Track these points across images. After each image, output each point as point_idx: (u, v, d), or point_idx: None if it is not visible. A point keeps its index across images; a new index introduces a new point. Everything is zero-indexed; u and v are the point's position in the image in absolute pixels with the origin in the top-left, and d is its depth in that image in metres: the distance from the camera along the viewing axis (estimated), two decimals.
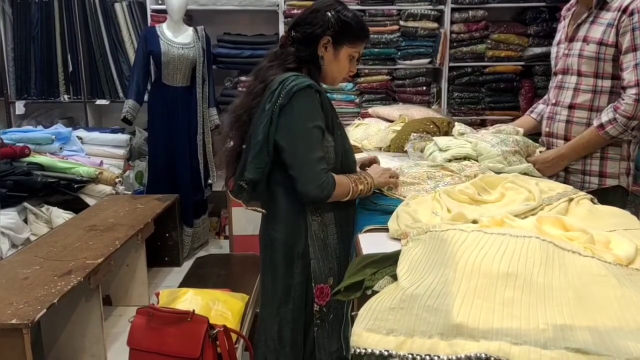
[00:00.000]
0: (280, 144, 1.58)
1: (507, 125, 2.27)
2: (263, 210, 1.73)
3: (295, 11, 3.99)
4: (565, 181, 2.10)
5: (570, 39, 2.06)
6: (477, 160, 2.08)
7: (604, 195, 1.92)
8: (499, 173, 1.96)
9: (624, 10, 1.91)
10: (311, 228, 1.66)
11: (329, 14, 1.62)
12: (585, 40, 2.00)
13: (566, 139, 2.09)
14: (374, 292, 1.12)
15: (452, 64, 4.13)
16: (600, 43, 1.96)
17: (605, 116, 1.96)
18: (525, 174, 1.94)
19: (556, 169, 2.10)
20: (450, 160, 2.10)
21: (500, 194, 1.59)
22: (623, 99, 1.91)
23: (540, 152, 2.15)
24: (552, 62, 2.20)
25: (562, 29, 2.16)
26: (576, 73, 2.04)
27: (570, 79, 2.07)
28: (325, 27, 1.62)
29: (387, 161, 2.50)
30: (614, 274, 1.05)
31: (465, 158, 2.08)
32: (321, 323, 1.68)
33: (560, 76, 2.12)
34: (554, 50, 2.20)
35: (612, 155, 2.03)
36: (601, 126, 1.96)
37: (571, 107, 2.07)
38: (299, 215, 1.67)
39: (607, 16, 1.95)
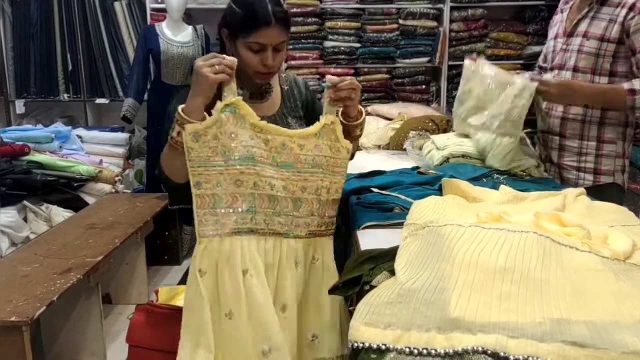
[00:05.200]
0: None
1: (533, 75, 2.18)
2: None
3: (294, 9, 4.00)
4: (560, 177, 2.10)
5: (569, 34, 2.04)
6: (476, 159, 2.09)
7: (599, 192, 1.91)
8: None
9: (631, 8, 1.87)
10: None
11: (227, 5, 1.49)
12: (585, 35, 1.98)
13: (562, 135, 2.07)
14: (372, 288, 1.12)
15: (451, 63, 4.14)
16: (602, 39, 1.93)
17: None
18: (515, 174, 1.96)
19: (565, 98, 2.01)
20: (448, 159, 2.10)
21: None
22: None
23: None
24: (549, 57, 2.16)
25: (560, 23, 2.13)
26: (572, 69, 2.02)
27: (565, 75, 2.04)
28: (223, 18, 1.50)
29: (386, 159, 2.52)
30: (611, 268, 1.05)
31: (463, 156, 2.09)
32: None
33: (556, 71, 2.10)
34: (550, 44, 2.16)
35: (607, 152, 2.02)
36: (633, 91, 1.87)
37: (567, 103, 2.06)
38: None
39: (609, 11, 1.93)
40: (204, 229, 1.37)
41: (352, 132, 1.53)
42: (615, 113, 2.00)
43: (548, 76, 2.05)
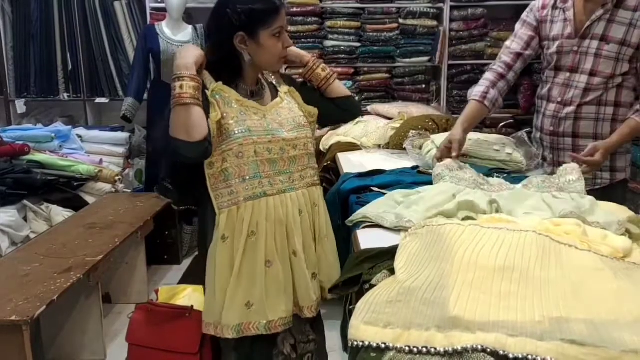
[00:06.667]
0: None
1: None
2: None
3: (294, 9, 3.99)
4: None
5: (582, 36, 1.97)
6: (476, 159, 2.09)
7: (612, 190, 1.90)
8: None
9: None
10: None
11: (228, 10, 1.57)
12: (604, 39, 1.92)
13: (575, 135, 2.04)
14: (372, 287, 1.12)
15: (451, 62, 4.13)
16: (622, 43, 1.90)
17: None
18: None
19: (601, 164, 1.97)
20: None
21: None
22: None
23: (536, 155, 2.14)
24: (555, 57, 2.05)
25: (564, 22, 2.03)
26: (588, 72, 1.96)
27: (579, 78, 1.99)
28: (230, 25, 1.57)
29: (386, 158, 2.52)
30: (610, 267, 1.05)
31: (463, 156, 2.09)
32: None
33: (567, 74, 2.02)
34: (554, 43, 2.05)
35: (620, 149, 2.01)
36: None
37: (579, 105, 2.00)
38: None
39: (627, 15, 1.89)
40: (221, 201, 1.56)
41: (316, 78, 1.74)
42: (625, 109, 1.98)
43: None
